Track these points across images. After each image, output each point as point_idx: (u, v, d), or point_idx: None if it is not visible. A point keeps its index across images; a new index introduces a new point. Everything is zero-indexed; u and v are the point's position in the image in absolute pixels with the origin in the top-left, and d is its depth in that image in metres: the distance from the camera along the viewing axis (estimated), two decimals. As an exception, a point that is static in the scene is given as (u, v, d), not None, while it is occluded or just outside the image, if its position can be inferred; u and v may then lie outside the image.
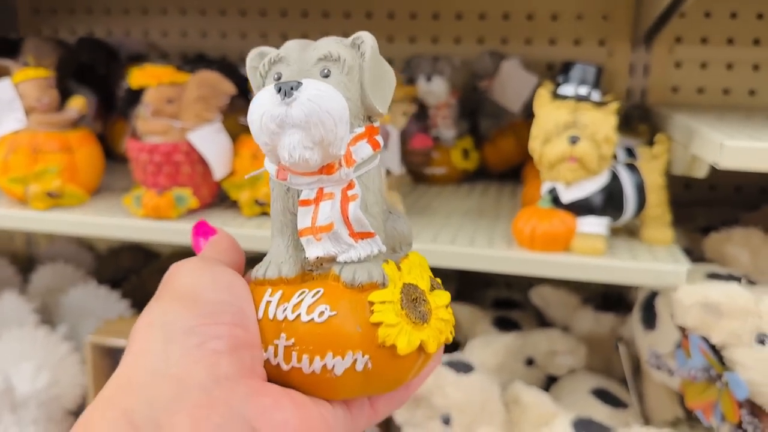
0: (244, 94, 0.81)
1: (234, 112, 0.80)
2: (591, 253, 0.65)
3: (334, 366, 0.30)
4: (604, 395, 0.80)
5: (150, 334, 0.29)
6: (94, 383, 0.85)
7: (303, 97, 0.29)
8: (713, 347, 0.62)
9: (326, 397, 0.31)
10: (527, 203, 0.75)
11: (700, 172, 0.67)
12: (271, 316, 0.31)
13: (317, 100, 0.29)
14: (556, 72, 0.73)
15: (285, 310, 0.30)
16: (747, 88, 1.02)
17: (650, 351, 0.69)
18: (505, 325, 0.92)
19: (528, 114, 0.91)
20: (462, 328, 0.92)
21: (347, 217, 0.31)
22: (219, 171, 0.74)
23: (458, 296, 1.03)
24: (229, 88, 0.74)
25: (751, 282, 0.71)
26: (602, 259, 0.64)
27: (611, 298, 1.01)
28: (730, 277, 0.71)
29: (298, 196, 0.32)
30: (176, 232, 0.73)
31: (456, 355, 0.75)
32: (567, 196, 0.66)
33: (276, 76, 0.31)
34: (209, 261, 0.33)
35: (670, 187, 0.71)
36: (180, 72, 0.75)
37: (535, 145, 0.65)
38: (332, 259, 0.32)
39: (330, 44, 0.32)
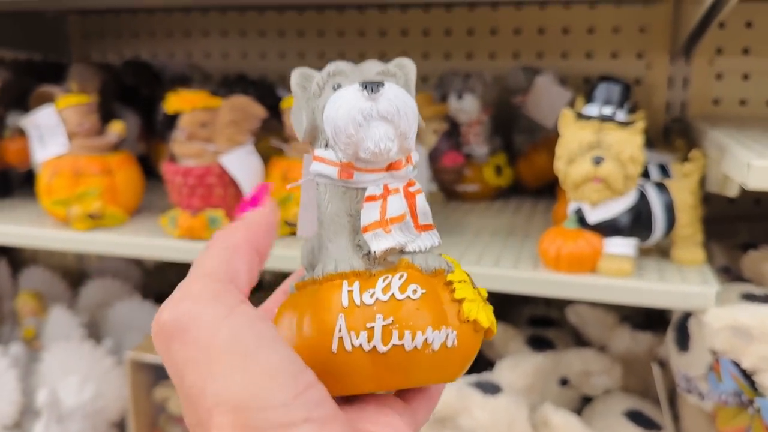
0: (276, 115, 0.83)
1: (267, 134, 0.82)
2: (618, 275, 0.64)
3: (433, 340, 0.30)
4: (638, 417, 0.79)
5: None
6: (132, 398, 0.88)
7: (389, 93, 0.31)
8: (744, 372, 0.60)
9: (421, 379, 0.32)
10: (559, 220, 0.75)
11: (732, 191, 0.65)
12: (358, 303, 0.31)
13: (401, 96, 0.31)
14: (588, 92, 0.72)
15: (373, 294, 0.31)
16: (792, 99, 0.99)
17: (682, 374, 0.68)
18: (539, 344, 0.91)
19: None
20: (494, 346, 0.92)
21: (414, 210, 0.33)
22: (250, 192, 0.76)
23: (494, 313, 1.03)
24: (260, 111, 0.76)
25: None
26: (629, 281, 0.63)
27: (652, 317, 0.99)
28: (766, 299, 0.69)
29: (356, 197, 0.33)
30: (209, 252, 0.75)
31: (484, 376, 0.74)
32: (593, 216, 0.65)
33: (335, 85, 0.33)
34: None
35: (712, 202, 0.70)
36: (213, 97, 0.77)
37: (559, 166, 0.65)
38: (397, 252, 0.33)
39: (379, 64, 0.34)
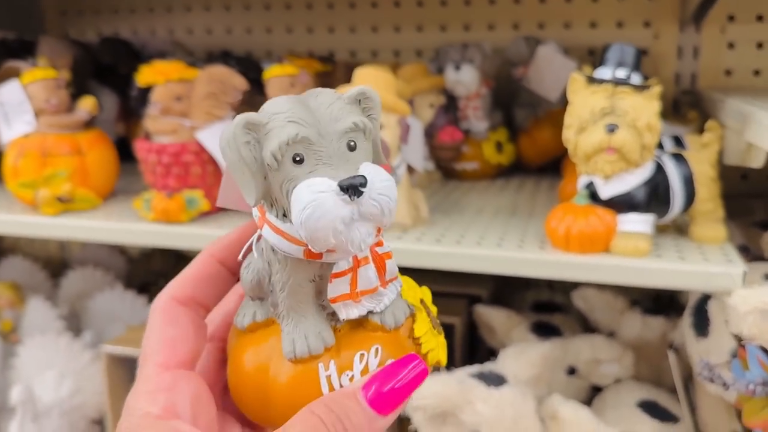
0: (259, 88, 0.76)
1: (249, 109, 0.76)
2: (633, 255, 0.58)
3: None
4: (652, 408, 0.73)
5: None
6: (110, 393, 0.82)
7: (374, 192, 0.28)
8: (775, 359, 0.54)
9: None
10: (565, 199, 0.69)
11: (757, 162, 0.60)
12: (337, 388, 0.30)
13: (386, 191, 0.28)
14: (598, 57, 0.66)
15: (352, 378, 0.31)
16: (808, 68, 0.93)
17: (702, 361, 0.62)
18: (544, 331, 0.85)
19: (567, 102, 0.84)
20: (497, 334, 0.86)
21: (383, 273, 0.32)
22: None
23: (494, 298, 0.97)
24: (240, 83, 0.70)
25: (818, 283, 0.63)
26: (646, 261, 0.58)
27: (662, 300, 0.93)
28: (793, 279, 0.64)
29: (321, 267, 0.31)
30: (188, 236, 0.69)
31: (487, 366, 0.69)
32: (606, 191, 0.59)
33: (297, 158, 0.28)
34: None
35: (724, 178, 0.64)
36: (189, 68, 0.71)
37: (569, 135, 0.59)
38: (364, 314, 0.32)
39: (349, 114, 0.29)
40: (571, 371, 0.81)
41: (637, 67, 0.61)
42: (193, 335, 0.33)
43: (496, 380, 0.65)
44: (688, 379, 0.77)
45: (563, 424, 0.64)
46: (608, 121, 0.57)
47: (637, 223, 0.59)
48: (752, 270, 0.64)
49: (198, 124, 0.69)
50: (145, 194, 0.73)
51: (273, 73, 0.71)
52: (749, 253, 0.78)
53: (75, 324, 1.07)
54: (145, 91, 0.73)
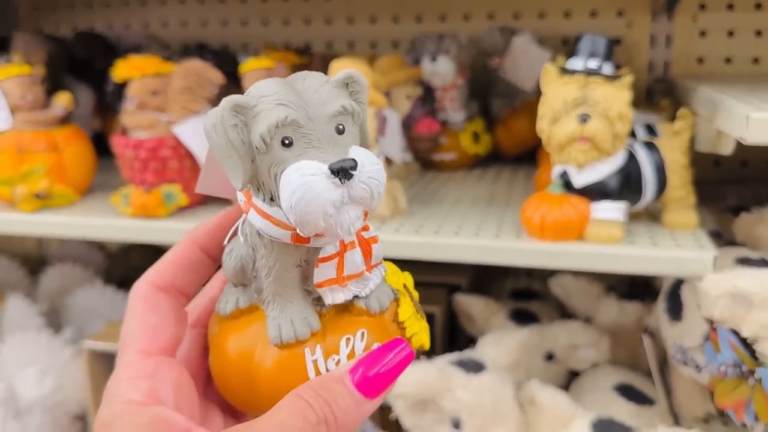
0: (235, 82, 0.76)
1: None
2: (607, 242, 0.60)
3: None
4: (628, 391, 0.75)
5: None
6: (92, 389, 0.82)
7: (364, 175, 0.28)
8: (744, 341, 0.56)
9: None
10: (541, 188, 0.70)
11: (726, 149, 0.61)
12: (323, 372, 0.30)
13: (376, 175, 0.28)
14: (572, 47, 0.67)
15: (339, 362, 0.31)
16: (778, 55, 0.95)
17: (675, 345, 0.64)
18: (522, 317, 0.87)
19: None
20: (476, 321, 0.87)
21: (369, 257, 0.32)
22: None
23: (473, 287, 0.98)
24: (216, 76, 0.70)
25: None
26: (619, 248, 0.59)
27: (637, 286, 0.95)
28: (763, 262, 0.65)
29: (307, 251, 0.31)
30: (166, 231, 0.69)
31: (467, 353, 0.70)
32: (579, 179, 0.60)
33: (286, 141, 0.28)
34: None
35: (697, 165, 0.66)
36: (165, 62, 0.71)
37: (543, 126, 0.60)
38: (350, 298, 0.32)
39: (337, 97, 0.29)
40: (549, 357, 0.82)
41: (608, 57, 0.62)
42: (174, 322, 0.33)
43: (475, 367, 0.67)
44: (663, 362, 0.78)
45: (541, 408, 0.65)
46: (580, 111, 0.58)
47: (610, 210, 0.60)
48: (724, 255, 0.65)
49: (175, 119, 0.69)
50: (123, 189, 0.72)
51: (249, 67, 0.72)
52: (721, 238, 0.80)
53: (55, 320, 1.06)
54: (121, 86, 0.73)
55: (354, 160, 0.28)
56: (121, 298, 1.04)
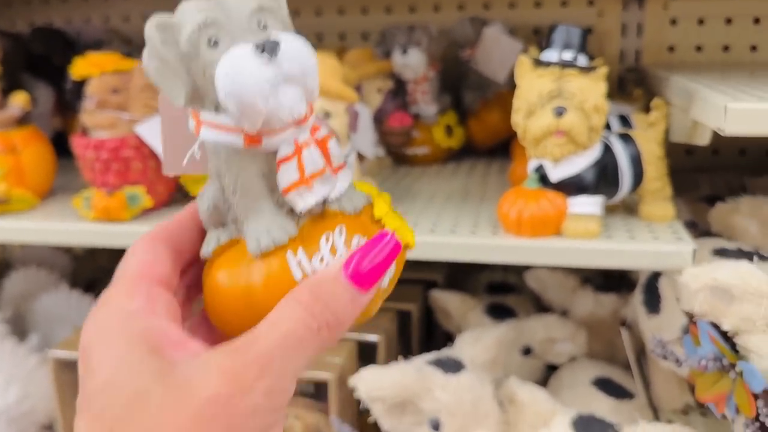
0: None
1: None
2: (584, 236, 0.58)
3: (383, 281, 0.31)
4: (607, 385, 0.74)
5: None
6: (59, 398, 0.79)
7: (290, 51, 0.28)
8: (724, 334, 0.55)
9: (370, 314, 0.33)
10: (516, 182, 0.68)
11: (703, 139, 0.60)
12: (310, 271, 0.31)
13: (302, 50, 0.29)
14: (543, 37, 0.66)
15: (322, 259, 0.31)
16: (748, 43, 0.95)
17: (655, 339, 0.63)
18: (499, 312, 0.86)
19: (515, 84, 0.84)
20: (453, 318, 0.86)
21: (328, 156, 0.32)
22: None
23: (449, 282, 0.97)
24: (179, 73, 0.67)
25: (763, 257, 0.65)
26: (597, 243, 0.58)
27: (613, 277, 0.94)
28: (740, 253, 0.65)
29: (266, 159, 0.31)
30: (131, 234, 0.67)
31: (444, 352, 0.69)
32: (556, 174, 0.59)
33: (212, 41, 0.29)
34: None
35: (669, 154, 0.65)
36: (126, 58, 0.68)
37: (518, 119, 0.59)
38: (320, 202, 0.32)
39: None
40: (527, 351, 0.81)
41: (583, 48, 0.61)
42: (171, 267, 0.33)
43: (453, 366, 0.65)
44: (641, 354, 0.78)
45: (521, 406, 0.64)
46: (556, 104, 0.56)
47: (587, 205, 0.59)
48: (701, 246, 0.64)
49: (137, 117, 0.66)
50: (84, 192, 0.70)
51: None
52: (697, 228, 0.79)
53: (20, 327, 1.03)
54: (80, 84, 0.70)
55: (276, 39, 0.28)
56: (88, 303, 1.01)
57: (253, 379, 0.27)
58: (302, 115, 0.30)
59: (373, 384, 0.60)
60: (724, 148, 1.01)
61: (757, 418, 0.54)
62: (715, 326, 0.55)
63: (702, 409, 0.75)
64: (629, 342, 0.75)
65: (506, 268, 1.03)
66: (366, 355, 0.75)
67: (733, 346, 0.55)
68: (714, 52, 0.96)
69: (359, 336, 0.75)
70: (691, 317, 0.58)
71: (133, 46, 1.07)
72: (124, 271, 0.31)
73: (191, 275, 0.35)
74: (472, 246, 0.59)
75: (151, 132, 0.66)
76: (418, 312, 0.85)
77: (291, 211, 0.32)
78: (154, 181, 0.68)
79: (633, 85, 0.92)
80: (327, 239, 0.31)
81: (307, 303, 0.28)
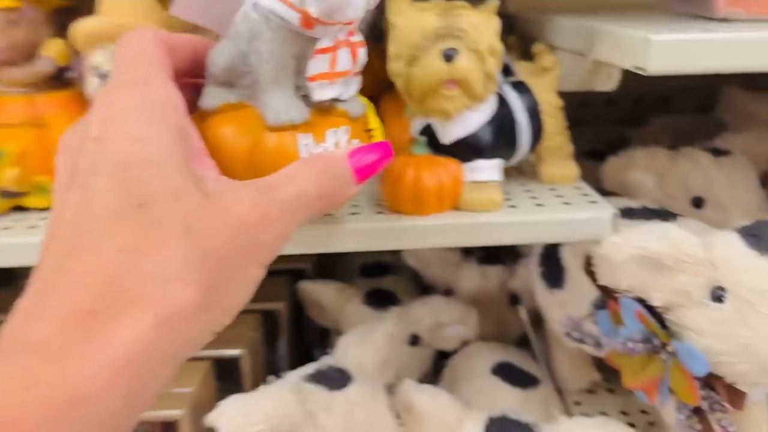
0: None
1: None
2: (486, 208, 0.48)
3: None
4: (508, 372, 0.66)
5: None
6: None
7: None
8: (651, 310, 0.47)
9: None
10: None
11: (609, 83, 0.52)
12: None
13: None
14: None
15: (326, 150, 0.35)
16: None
17: (568, 319, 0.54)
18: (379, 299, 0.74)
19: (374, 33, 0.71)
20: (328, 312, 0.74)
21: (356, 61, 0.36)
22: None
23: (319, 269, 0.85)
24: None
25: (669, 215, 0.58)
26: (503, 215, 0.48)
27: (497, 248, 0.87)
28: (647, 212, 0.58)
29: (306, 43, 0.33)
30: None
31: (325, 362, 0.56)
32: (448, 134, 0.48)
33: None
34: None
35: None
36: None
37: (397, 68, 0.46)
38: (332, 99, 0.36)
39: None
40: (414, 341, 0.71)
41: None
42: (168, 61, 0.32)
43: (339, 379, 0.53)
44: (537, 328, 0.70)
45: (422, 416, 0.54)
46: (445, 45, 0.45)
47: (486, 170, 0.49)
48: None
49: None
50: None
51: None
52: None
53: None
54: None
55: None
56: None
57: (273, 220, 0.29)
58: (357, 18, 0.33)
59: (240, 420, 0.47)
60: (592, 101, 0.96)
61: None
62: (643, 302, 0.47)
63: (609, 384, 0.69)
64: (528, 321, 0.67)
65: (380, 247, 0.92)
66: (225, 375, 0.60)
67: (664, 324, 0.47)
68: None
69: (214, 352, 0.60)
70: (610, 293, 0.50)
71: None
72: (138, 59, 0.30)
73: None
74: (353, 232, 0.47)
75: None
76: (286, 311, 0.72)
77: (304, 98, 0.35)
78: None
79: (503, 33, 0.84)
80: (334, 134, 0.35)
81: (319, 171, 0.31)
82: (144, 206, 0.26)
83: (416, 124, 0.49)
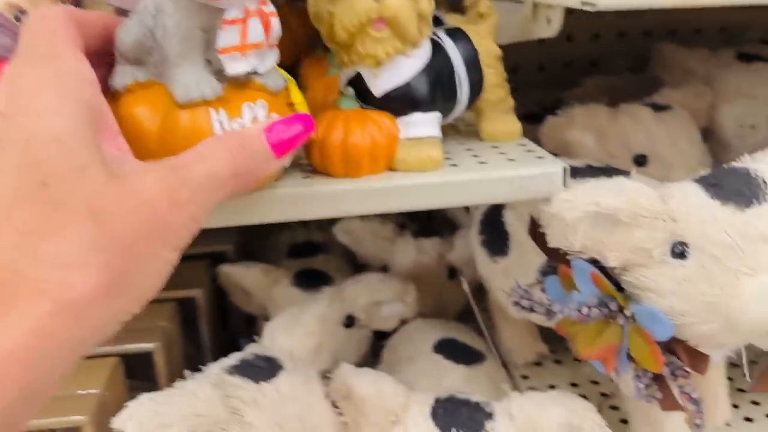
0: None
1: None
2: (426, 168, 0.43)
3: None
4: (451, 349, 0.61)
5: None
6: None
7: None
8: (606, 272, 0.44)
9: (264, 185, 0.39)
10: (318, 108, 0.50)
11: (552, 28, 0.47)
12: (228, 130, 0.33)
13: None
14: None
15: (242, 125, 0.34)
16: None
17: (517, 287, 0.50)
18: (310, 280, 0.69)
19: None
20: (254, 296, 0.68)
21: (268, 32, 0.35)
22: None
23: (242, 252, 0.78)
24: None
25: (615, 171, 0.54)
26: (444, 175, 0.43)
27: (432, 219, 0.82)
28: (592, 170, 0.54)
29: (212, 14, 0.32)
30: None
31: (251, 350, 0.50)
32: (379, 85, 0.42)
33: None
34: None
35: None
36: None
37: (320, 8, 0.40)
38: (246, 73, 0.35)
39: None
40: (349, 322, 0.66)
41: None
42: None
43: (267, 369, 0.47)
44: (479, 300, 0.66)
45: (363, 403, 0.48)
46: (371, -20, 0.39)
47: (424, 125, 0.43)
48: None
49: None
50: None
51: None
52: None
53: None
54: None
55: None
56: None
57: (184, 201, 0.28)
58: None
59: (151, 422, 0.40)
60: (521, 66, 0.92)
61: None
62: (597, 264, 0.44)
63: (555, 354, 0.66)
64: (470, 292, 0.63)
65: (307, 225, 0.86)
66: (137, 373, 0.53)
67: (620, 287, 0.44)
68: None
69: (123, 347, 0.53)
70: (560, 256, 0.46)
71: None
72: (47, 34, 0.29)
73: None
74: (276, 199, 0.41)
75: None
76: (205, 298, 0.65)
77: (217, 72, 0.34)
78: None
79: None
80: (250, 109, 0.34)
81: (232, 149, 0.31)
82: (47, 185, 0.25)
83: (343, 76, 0.44)
